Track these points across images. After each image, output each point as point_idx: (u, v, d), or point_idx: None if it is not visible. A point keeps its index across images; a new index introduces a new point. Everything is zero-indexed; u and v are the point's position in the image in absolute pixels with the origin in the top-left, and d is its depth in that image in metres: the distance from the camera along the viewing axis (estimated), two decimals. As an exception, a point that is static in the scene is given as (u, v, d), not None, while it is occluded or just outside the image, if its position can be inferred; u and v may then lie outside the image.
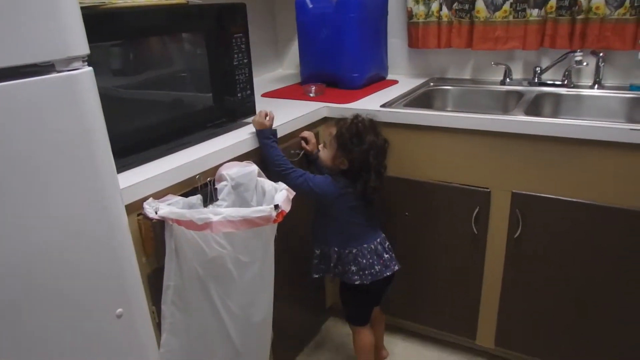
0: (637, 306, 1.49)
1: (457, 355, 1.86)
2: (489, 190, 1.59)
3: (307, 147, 1.64)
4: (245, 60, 1.49)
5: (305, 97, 1.87)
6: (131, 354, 0.87)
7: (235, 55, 1.45)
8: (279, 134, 1.54)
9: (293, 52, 2.43)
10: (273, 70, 2.51)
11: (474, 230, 1.61)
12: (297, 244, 1.68)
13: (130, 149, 1.20)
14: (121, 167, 1.17)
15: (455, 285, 1.75)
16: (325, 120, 1.76)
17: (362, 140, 1.43)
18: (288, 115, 1.62)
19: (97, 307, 0.80)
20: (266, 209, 1.12)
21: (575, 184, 1.46)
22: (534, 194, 1.52)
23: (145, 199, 1.12)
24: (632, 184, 1.39)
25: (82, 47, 0.76)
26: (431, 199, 1.67)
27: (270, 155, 1.44)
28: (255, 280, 1.21)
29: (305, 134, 1.64)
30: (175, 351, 1.19)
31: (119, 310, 0.83)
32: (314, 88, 1.88)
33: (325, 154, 1.52)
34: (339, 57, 1.93)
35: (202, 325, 1.20)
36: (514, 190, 1.55)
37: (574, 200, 1.47)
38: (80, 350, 0.78)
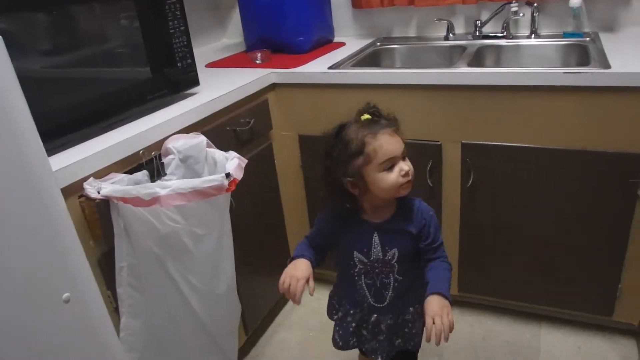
0: (585, 241, 1.52)
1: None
2: (440, 143, 1.57)
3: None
4: (182, 28, 1.38)
5: (251, 64, 1.77)
6: (83, 338, 0.80)
7: (170, 23, 1.34)
8: (228, 103, 1.46)
9: (236, 20, 2.30)
10: (217, 40, 2.38)
11: (429, 183, 1.60)
12: (257, 212, 1.63)
13: (64, 127, 1.09)
14: (57, 148, 1.07)
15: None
16: (274, 86, 1.68)
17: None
18: (235, 83, 1.53)
19: (42, 294, 0.72)
20: (217, 178, 1.05)
21: (519, 129, 1.46)
22: (482, 142, 1.51)
23: (86, 179, 1.03)
24: (570, 125, 1.40)
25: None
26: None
27: None
28: (214, 252, 1.15)
29: None
30: (137, 333, 1.12)
31: (66, 295, 0.75)
32: (259, 55, 1.78)
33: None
34: (283, 22, 1.83)
35: (163, 303, 1.13)
36: (463, 141, 1.53)
37: (520, 145, 1.47)
38: (30, 337, 0.70)
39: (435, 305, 1.00)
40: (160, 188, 0.99)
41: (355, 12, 2.10)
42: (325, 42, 2.02)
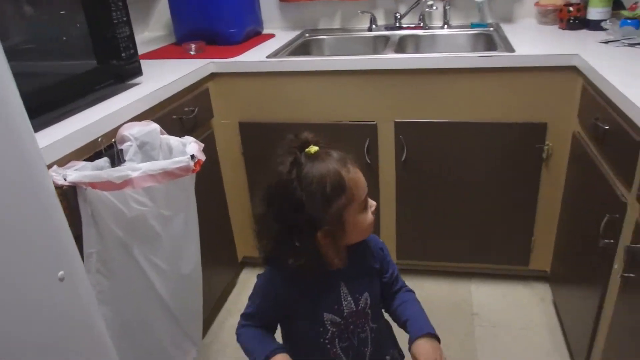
0: (502, 202, 1.77)
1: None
2: (375, 123, 1.73)
3: None
4: (125, 18, 1.40)
5: (186, 55, 1.82)
6: (77, 317, 0.83)
7: (114, 14, 1.36)
8: (172, 92, 1.50)
9: (158, 13, 2.31)
10: (140, 33, 2.35)
11: (367, 160, 1.75)
12: (200, 199, 1.68)
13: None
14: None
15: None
16: (213, 76, 1.74)
17: None
18: (176, 73, 1.57)
19: (39, 271, 0.74)
20: (184, 159, 1.11)
21: (444, 107, 1.67)
22: (412, 120, 1.70)
23: (48, 168, 1.03)
24: (485, 101, 1.63)
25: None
26: (327, 137, 1.76)
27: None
28: (180, 233, 1.20)
29: None
30: (108, 321, 1.14)
31: (61, 272, 0.78)
32: (194, 46, 1.83)
33: None
34: (216, 13, 1.89)
35: (130, 289, 1.16)
36: (395, 120, 1.71)
37: (445, 120, 1.68)
38: (27, 316, 0.73)
39: (427, 351, 0.89)
40: (131, 170, 1.03)
41: (282, 5, 2.21)
42: (255, 34, 2.11)
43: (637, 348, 1.08)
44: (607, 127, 1.26)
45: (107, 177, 1.01)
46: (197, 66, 1.66)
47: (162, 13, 2.29)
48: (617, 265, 1.18)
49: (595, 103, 1.36)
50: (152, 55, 1.88)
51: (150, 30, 2.39)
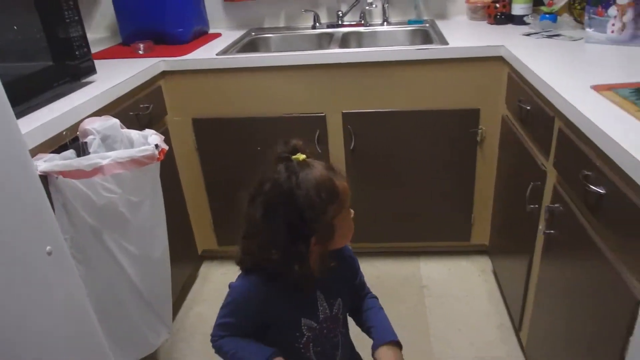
0: (444, 183, 1.96)
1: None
2: (324, 114, 1.87)
3: None
4: (77, 18, 1.45)
5: (135, 55, 1.88)
6: (64, 288, 0.90)
7: (66, 13, 1.41)
8: (127, 89, 1.56)
9: (100, 15, 2.33)
10: (84, 37, 2.37)
11: (318, 150, 1.88)
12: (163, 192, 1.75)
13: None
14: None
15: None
16: (164, 74, 1.81)
17: None
18: (128, 72, 1.63)
19: (30, 246, 0.81)
20: (149, 148, 1.20)
21: (386, 97, 1.83)
22: (358, 110, 1.85)
23: (17, 159, 1.08)
24: (423, 91, 1.81)
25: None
26: (278, 130, 1.88)
27: None
28: (148, 218, 1.28)
29: None
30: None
31: (48, 247, 0.85)
32: (142, 45, 1.89)
33: None
34: (162, 14, 1.96)
35: (104, 275, 1.22)
36: (343, 111, 1.86)
37: (388, 110, 1.84)
38: (17, 290, 0.79)
39: (390, 357, 0.96)
40: (101, 159, 1.10)
41: (227, 4, 2.30)
42: (201, 34, 2.20)
43: (559, 298, 1.27)
44: (528, 108, 1.46)
45: (78, 166, 1.08)
46: (148, 65, 1.73)
47: (104, 15, 2.32)
48: (541, 226, 1.38)
49: (519, 87, 1.56)
50: (101, 55, 1.92)
51: (93, 32, 2.39)
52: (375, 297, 1.09)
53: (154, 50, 1.92)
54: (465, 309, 1.85)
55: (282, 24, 2.35)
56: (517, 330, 1.65)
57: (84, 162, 1.08)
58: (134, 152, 1.16)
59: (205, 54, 1.87)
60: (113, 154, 1.13)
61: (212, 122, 1.90)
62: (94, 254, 1.19)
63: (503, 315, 1.80)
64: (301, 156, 0.87)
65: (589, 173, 1.07)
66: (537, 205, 1.39)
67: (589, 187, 1.04)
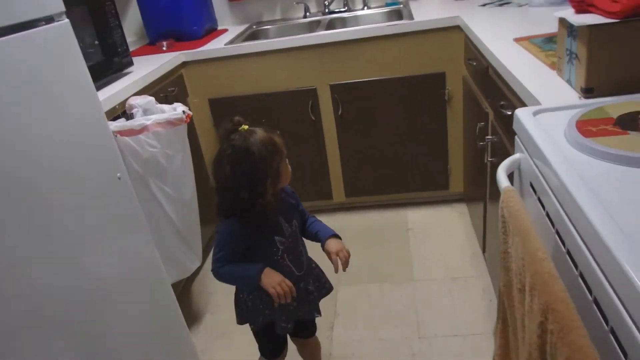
0: (422, 139, 2.35)
1: (320, 214, 2.57)
2: (315, 87, 2.28)
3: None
4: (117, 23, 1.90)
5: (160, 51, 2.32)
6: (131, 207, 1.33)
7: (110, 20, 1.85)
8: (157, 76, 2.00)
9: (128, 22, 2.78)
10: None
11: (312, 117, 2.30)
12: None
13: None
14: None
15: (307, 161, 2.41)
16: (184, 64, 2.25)
17: None
18: (157, 63, 2.07)
19: (106, 171, 1.24)
20: (179, 112, 1.63)
21: (366, 68, 2.23)
22: (344, 82, 2.26)
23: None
24: (397, 60, 2.20)
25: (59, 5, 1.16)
26: (279, 103, 2.30)
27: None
28: (181, 167, 1.71)
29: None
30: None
31: (119, 174, 1.27)
32: (165, 43, 2.33)
33: None
34: (180, 16, 2.41)
35: (148, 213, 1.65)
36: (330, 83, 2.26)
37: (369, 79, 2.24)
38: (101, 202, 1.21)
39: (335, 245, 1.31)
40: (145, 120, 1.54)
41: (231, 4, 2.74)
42: (212, 30, 2.63)
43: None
44: (474, 64, 1.84)
45: (130, 126, 1.51)
46: (171, 57, 2.17)
47: (132, 22, 2.77)
48: (487, 157, 1.76)
49: (470, 49, 1.94)
50: (135, 53, 2.36)
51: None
52: (314, 217, 1.43)
53: (174, 47, 2.36)
54: (444, 244, 2.24)
55: (278, 17, 2.77)
56: (483, 249, 2.04)
57: (134, 123, 1.51)
58: (168, 115, 1.59)
59: (217, 45, 2.30)
60: (154, 117, 1.56)
61: (225, 101, 2.33)
62: (141, 195, 1.61)
63: (475, 247, 2.18)
64: (245, 126, 1.21)
65: (503, 103, 1.45)
66: (483, 142, 1.77)
67: (503, 111, 1.42)
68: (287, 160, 1.27)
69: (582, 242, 0.69)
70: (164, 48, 2.33)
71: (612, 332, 0.60)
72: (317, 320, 1.49)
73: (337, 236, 1.36)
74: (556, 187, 0.80)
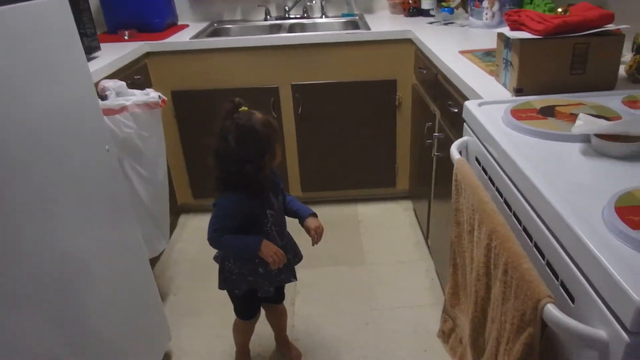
0: (374, 139, 2.64)
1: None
2: (277, 86, 2.52)
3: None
4: (87, 5, 2.04)
5: (122, 40, 2.46)
6: (117, 178, 1.48)
7: (81, 2, 2.00)
8: (119, 66, 2.15)
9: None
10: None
11: (274, 114, 2.53)
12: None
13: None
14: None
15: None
16: (148, 54, 2.41)
17: None
18: (121, 52, 2.22)
19: (96, 143, 1.40)
20: (156, 97, 1.81)
21: (325, 71, 2.50)
22: (304, 82, 2.51)
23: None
24: (353, 66, 2.49)
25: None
26: (242, 99, 2.51)
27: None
28: (154, 148, 1.87)
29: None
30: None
31: (107, 146, 1.43)
32: (127, 32, 2.48)
33: None
34: (142, 7, 2.57)
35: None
36: (292, 83, 2.51)
37: (326, 82, 2.52)
38: (83, 179, 1.36)
39: (313, 222, 1.56)
40: (125, 101, 1.70)
41: (191, 1, 2.93)
42: (173, 25, 2.80)
43: (447, 205, 1.96)
44: (424, 72, 2.17)
45: (110, 105, 1.67)
46: (136, 46, 2.32)
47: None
48: (434, 152, 2.07)
49: (420, 59, 2.27)
50: (93, 41, 2.49)
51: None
52: (290, 195, 1.66)
53: (136, 37, 2.51)
54: (391, 234, 2.53)
55: (238, 17, 2.99)
56: (426, 237, 2.35)
57: (114, 102, 1.68)
58: (146, 98, 1.76)
59: (182, 38, 2.48)
60: (133, 98, 1.73)
61: (188, 94, 2.51)
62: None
63: (419, 236, 2.50)
64: (245, 108, 1.41)
65: (450, 102, 1.77)
66: (431, 140, 2.09)
67: (450, 109, 1.74)
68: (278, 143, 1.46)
69: (518, 191, 0.98)
70: (126, 37, 2.48)
71: (548, 265, 0.88)
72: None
73: (314, 215, 1.60)
74: (498, 155, 1.09)
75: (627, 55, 1.55)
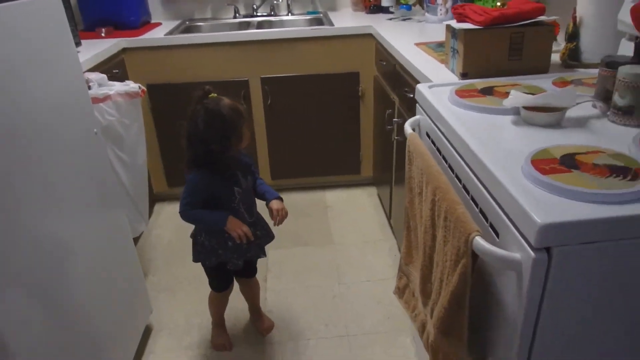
0: (339, 129, 2.80)
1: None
2: (247, 79, 2.65)
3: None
4: (68, 2, 2.12)
5: (99, 36, 2.55)
6: (103, 160, 1.59)
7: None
8: (98, 60, 2.24)
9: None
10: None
11: (244, 105, 2.64)
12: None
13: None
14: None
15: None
16: (125, 50, 2.50)
17: None
18: (99, 47, 2.31)
19: (86, 126, 1.50)
20: (136, 87, 1.92)
21: (292, 64, 2.64)
22: (273, 75, 2.65)
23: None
24: (318, 60, 2.64)
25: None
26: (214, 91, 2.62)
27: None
28: (135, 135, 1.98)
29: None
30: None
31: (95, 130, 1.54)
32: (104, 29, 2.57)
33: None
34: (118, 6, 2.66)
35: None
36: (261, 76, 2.65)
37: (293, 74, 2.66)
38: (80, 156, 1.47)
39: (277, 204, 1.67)
40: (109, 90, 1.80)
41: (163, 0, 3.02)
42: (146, 22, 2.90)
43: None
44: (384, 63, 2.33)
45: (95, 94, 1.77)
46: (114, 42, 2.42)
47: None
48: (394, 136, 2.24)
49: (381, 52, 2.44)
50: (70, 37, 2.57)
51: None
52: (262, 179, 1.79)
53: (113, 34, 2.60)
54: (357, 217, 2.70)
55: (209, 15, 3.10)
56: (389, 218, 2.52)
57: (99, 91, 1.78)
58: (127, 88, 1.87)
59: (157, 34, 2.59)
60: (115, 88, 1.83)
61: (162, 87, 2.61)
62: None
63: (382, 219, 2.66)
64: (214, 94, 1.53)
65: (406, 89, 1.94)
66: (391, 126, 2.25)
67: (407, 95, 1.90)
68: (247, 126, 1.57)
69: (459, 155, 1.14)
70: (102, 34, 2.56)
71: (481, 212, 1.04)
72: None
73: (280, 199, 1.72)
74: (444, 128, 1.26)
75: (563, 44, 1.74)
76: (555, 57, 1.69)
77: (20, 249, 1.17)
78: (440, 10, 2.58)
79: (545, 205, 0.82)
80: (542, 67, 1.59)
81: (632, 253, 0.83)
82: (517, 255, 0.84)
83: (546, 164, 0.94)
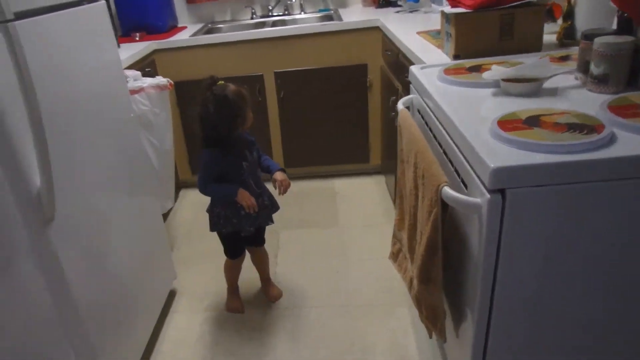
0: (348, 119, 2.94)
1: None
2: (262, 74, 2.82)
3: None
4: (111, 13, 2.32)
5: (134, 40, 2.76)
6: (138, 144, 1.78)
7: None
8: (135, 59, 2.44)
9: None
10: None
11: (259, 98, 2.83)
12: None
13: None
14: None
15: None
16: (155, 51, 2.70)
17: None
18: (134, 50, 2.51)
19: (123, 111, 1.70)
20: (165, 80, 2.11)
21: (303, 59, 2.80)
22: (285, 70, 2.82)
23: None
24: (329, 53, 2.79)
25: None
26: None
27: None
28: (164, 123, 2.18)
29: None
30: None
31: (132, 114, 1.73)
32: (138, 34, 2.78)
33: None
34: (149, 13, 2.87)
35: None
36: (275, 71, 2.81)
37: (305, 68, 2.82)
38: (114, 134, 1.65)
39: (280, 175, 1.82)
40: (142, 83, 2.00)
41: (189, 5, 3.22)
42: (173, 27, 3.10)
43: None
44: (389, 53, 2.47)
45: (131, 87, 1.96)
46: (146, 45, 2.62)
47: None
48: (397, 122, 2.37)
49: (386, 43, 2.57)
50: (105, 41, 2.79)
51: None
52: (266, 155, 1.95)
53: (145, 37, 2.81)
54: (363, 203, 2.84)
55: (228, 17, 3.29)
56: (395, 204, 2.64)
57: (134, 84, 1.98)
58: (158, 81, 2.07)
59: (183, 36, 2.79)
60: (148, 81, 2.03)
61: (187, 84, 2.80)
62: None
63: (388, 204, 2.79)
64: (221, 82, 1.70)
65: (406, 75, 2.07)
66: (394, 112, 2.38)
67: (407, 80, 2.03)
68: (250, 109, 1.75)
69: (440, 124, 1.28)
70: (137, 38, 2.77)
71: (456, 171, 1.18)
72: (266, 247, 2.08)
73: (283, 170, 1.88)
74: (429, 102, 1.40)
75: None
76: (553, 38, 1.77)
77: (79, 215, 1.39)
78: (447, 1, 2.69)
79: (500, 154, 0.95)
80: (534, 46, 1.65)
81: (581, 195, 0.94)
82: (477, 200, 0.98)
83: (510, 124, 1.07)
